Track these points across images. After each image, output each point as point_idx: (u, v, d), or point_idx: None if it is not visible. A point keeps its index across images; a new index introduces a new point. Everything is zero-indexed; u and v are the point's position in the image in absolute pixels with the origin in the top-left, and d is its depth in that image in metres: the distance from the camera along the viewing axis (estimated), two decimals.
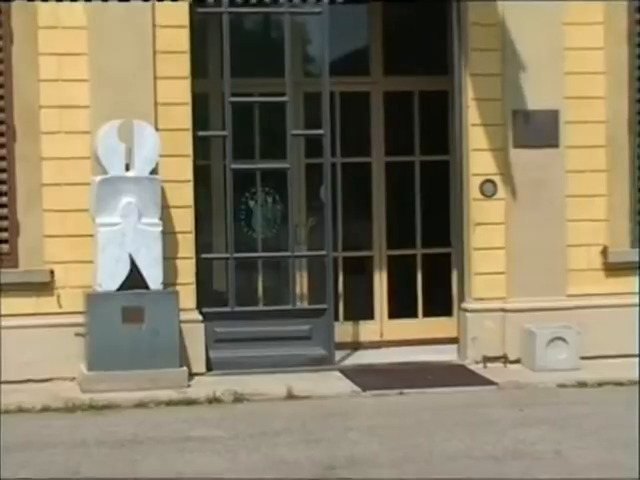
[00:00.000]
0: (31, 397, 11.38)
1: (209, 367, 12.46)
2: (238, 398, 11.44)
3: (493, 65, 12.99)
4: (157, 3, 12.34)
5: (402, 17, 14.10)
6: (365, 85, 14.18)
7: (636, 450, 8.89)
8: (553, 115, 12.99)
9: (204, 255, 12.82)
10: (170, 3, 12.38)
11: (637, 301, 12.87)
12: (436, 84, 13.80)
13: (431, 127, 14.07)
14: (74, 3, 12.27)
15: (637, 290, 12.94)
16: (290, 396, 11.53)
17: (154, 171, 12.15)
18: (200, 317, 12.50)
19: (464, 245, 13.19)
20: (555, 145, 13.01)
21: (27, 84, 12.27)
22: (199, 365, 12.38)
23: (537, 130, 12.96)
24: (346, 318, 13.86)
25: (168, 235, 12.28)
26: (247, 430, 10.29)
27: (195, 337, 12.39)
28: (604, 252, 13.15)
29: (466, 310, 13.12)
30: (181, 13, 12.44)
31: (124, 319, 11.85)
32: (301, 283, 13.42)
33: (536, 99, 12.97)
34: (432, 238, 14.06)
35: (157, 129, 12.25)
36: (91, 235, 12.09)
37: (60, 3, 12.26)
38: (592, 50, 13.12)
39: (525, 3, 12.78)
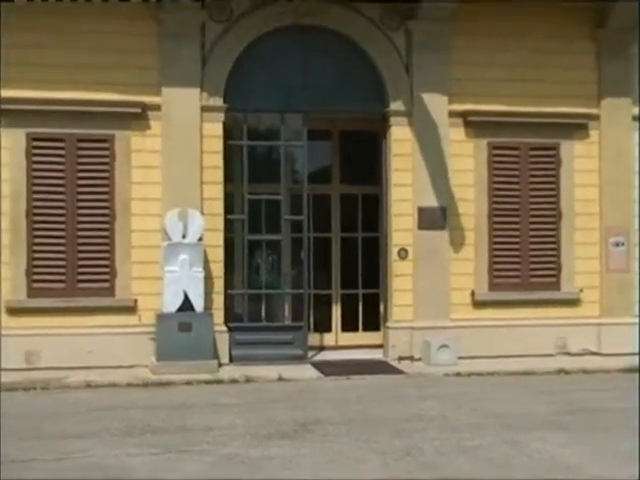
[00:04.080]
0: (120, 377, 11.30)
1: (231, 360, 12.30)
2: (248, 380, 11.35)
3: (406, 180, 12.83)
4: (204, 139, 12.30)
5: (352, 148, 13.92)
6: (328, 189, 13.96)
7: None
8: (442, 210, 12.85)
9: (229, 291, 12.71)
10: (211, 139, 12.34)
11: (495, 324, 12.77)
12: (372, 190, 13.55)
13: (368, 216, 13.79)
14: (153, 137, 12.22)
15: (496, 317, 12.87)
16: (280, 379, 11.43)
17: (200, 239, 12.07)
18: (226, 329, 12.37)
19: (388, 288, 13.03)
20: (443, 228, 12.89)
21: (123, 185, 12.18)
22: (225, 358, 12.23)
23: (432, 219, 12.80)
24: (315, 330, 13.60)
25: (207, 278, 12.17)
26: (253, 399, 10.24)
27: (222, 341, 12.25)
28: (472, 294, 13.04)
29: (389, 327, 12.94)
30: (218, 144, 12.40)
31: (179, 329, 11.75)
32: (288, 309, 13.17)
33: (432, 200, 12.82)
34: (369, 283, 13.74)
35: (202, 214, 12.17)
36: (160, 277, 11.97)
37: (145, 136, 12.20)
38: (466, 171, 13.07)
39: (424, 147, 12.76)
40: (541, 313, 13.04)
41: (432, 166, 12.81)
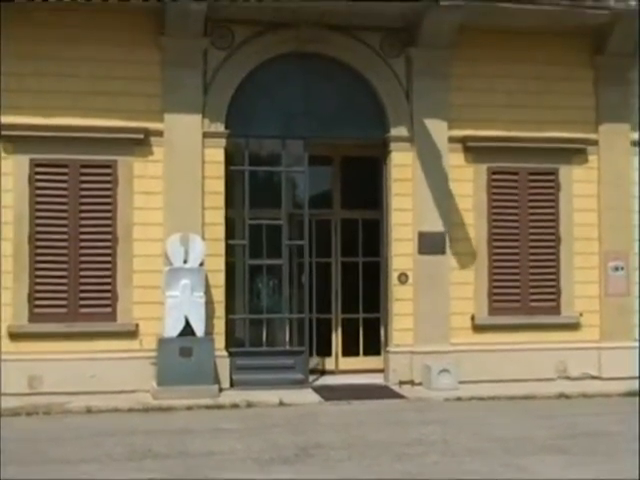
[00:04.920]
0: (122, 402, 11.32)
1: (232, 384, 12.30)
2: (249, 404, 11.38)
3: (407, 204, 12.92)
4: (205, 164, 12.40)
5: (353, 173, 13.99)
6: (329, 214, 14.01)
7: None
8: (442, 234, 12.92)
9: (230, 316, 12.75)
10: (213, 165, 12.43)
11: (495, 348, 12.79)
12: (372, 215, 13.58)
13: (369, 240, 13.82)
14: (155, 163, 12.33)
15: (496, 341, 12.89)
16: (281, 404, 11.46)
17: (201, 264, 12.12)
18: (227, 354, 12.38)
19: (388, 312, 13.05)
20: (443, 253, 12.93)
21: (125, 210, 12.25)
22: (226, 383, 12.23)
23: (432, 244, 12.85)
24: (316, 355, 13.64)
25: (208, 303, 12.21)
26: (254, 424, 10.25)
27: (223, 366, 12.26)
28: (472, 318, 13.08)
29: (389, 352, 12.95)
30: (219, 170, 12.48)
31: (180, 354, 11.77)
32: (289, 333, 13.18)
33: (432, 225, 12.89)
34: (369, 307, 13.75)
35: (203, 239, 12.23)
36: (162, 302, 12.00)
37: (147, 162, 12.31)
38: (466, 196, 13.15)
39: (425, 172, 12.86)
40: (541, 337, 13.08)
41: (432, 191, 12.90)
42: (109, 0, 11.82)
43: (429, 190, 12.89)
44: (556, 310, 13.29)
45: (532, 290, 13.20)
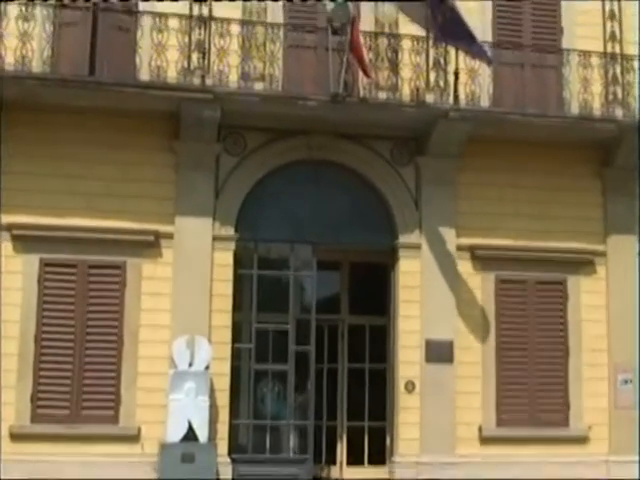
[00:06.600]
0: None
1: None
2: None
3: (414, 311, 12.94)
4: (214, 267, 12.46)
5: (361, 279, 13.94)
6: (336, 319, 13.85)
7: None
8: (450, 343, 12.87)
9: (234, 421, 12.60)
10: (222, 268, 12.48)
11: (502, 460, 12.55)
12: (380, 321, 13.52)
13: (376, 347, 13.66)
14: (165, 264, 12.39)
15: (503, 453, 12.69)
16: None
17: (207, 367, 12.06)
18: (229, 460, 12.22)
19: (394, 420, 12.92)
20: (450, 361, 12.84)
21: (133, 311, 12.29)
22: None
23: (440, 352, 12.79)
24: (320, 462, 13.34)
25: (212, 407, 12.10)
26: None
27: (226, 473, 12.05)
28: (480, 429, 12.91)
29: (394, 462, 12.79)
30: (228, 273, 12.56)
31: (182, 460, 11.62)
32: (293, 440, 12.94)
33: (440, 333, 12.87)
34: (375, 415, 13.51)
35: (210, 341, 12.21)
36: (165, 405, 11.90)
37: (157, 264, 12.38)
38: (473, 304, 13.09)
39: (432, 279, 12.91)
40: (550, 450, 12.89)
41: (440, 299, 12.94)
42: (126, 105, 12.08)
43: (437, 297, 12.93)
44: (565, 422, 13.15)
45: (540, 401, 13.07)
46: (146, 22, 12.38)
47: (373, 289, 13.79)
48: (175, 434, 11.75)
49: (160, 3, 12.53)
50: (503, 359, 13.06)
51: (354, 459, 13.66)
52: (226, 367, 12.42)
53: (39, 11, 12.22)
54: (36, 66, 12.09)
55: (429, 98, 12.85)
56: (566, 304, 13.36)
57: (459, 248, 13.07)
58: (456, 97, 12.76)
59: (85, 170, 12.26)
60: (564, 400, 13.13)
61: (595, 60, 13.41)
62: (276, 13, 13.06)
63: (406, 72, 12.97)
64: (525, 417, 12.98)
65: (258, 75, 12.67)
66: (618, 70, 13.50)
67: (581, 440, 13.10)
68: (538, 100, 13.42)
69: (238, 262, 12.72)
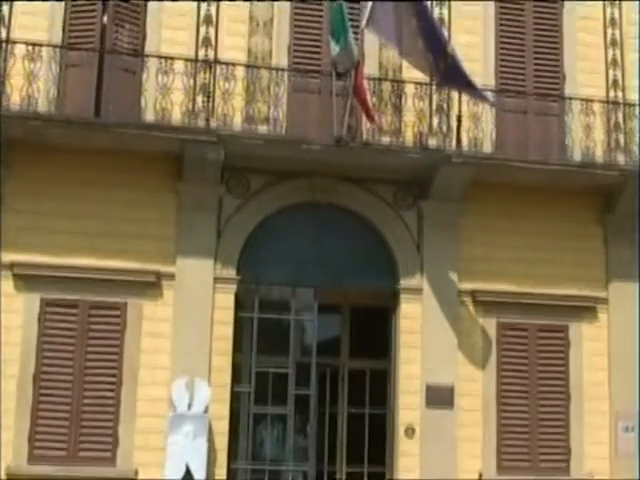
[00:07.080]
0: None
1: None
2: None
3: (415, 356, 12.82)
4: (215, 309, 12.42)
5: (362, 322, 13.92)
6: (336, 363, 13.72)
7: None
8: (450, 388, 12.80)
9: (232, 465, 12.48)
10: (222, 310, 12.45)
11: None
12: (380, 365, 13.38)
13: (376, 391, 13.50)
14: (165, 305, 12.37)
15: None
16: None
17: (206, 410, 11.99)
18: None
19: (394, 466, 12.77)
20: (451, 407, 12.76)
21: (132, 352, 12.24)
22: None
23: (440, 397, 12.71)
24: None
25: (210, 450, 11.99)
26: None
27: None
28: (480, 476, 12.77)
29: None
30: (228, 315, 12.52)
31: None
32: None
33: (440, 378, 12.76)
34: (375, 460, 13.33)
35: (209, 384, 12.14)
36: (163, 448, 11.81)
37: (157, 305, 12.37)
38: (475, 350, 13.00)
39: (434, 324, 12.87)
40: None
41: (441, 343, 12.88)
42: (130, 145, 12.14)
43: (438, 342, 12.87)
44: (566, 470, 13.03)
45: (541, 448, 12.97)
46: (152, 64, 12.49)
47: (374, 332, 13.75)
48: (173, 477, 11.63)
49: (166, 46, 12.65)
50: (504, 405, 12.97)
51: None
52: (225, 410, 12.33)
53: (45, 51, 12.32)
54: (42, 106, 12.17)
55: (432, 143, 12.95)
56: (568, 351, 13.30)
57: (461, 292, 13.05)
58: (459, 142, 12.83)
59: (88, 210, 12.31)
60: (565, 447, 13.03)
61: (597, 107, 13.48)
62: (281, 57, 13.16)
63: (409, 117, 13.06)
64: (526, 465, 12.86)
65: (262, 118, 12.74)
66: (620, 117, 13.60)
67: None
68: (540, 146, 13.49)
69: (239, 304, 12.68)
